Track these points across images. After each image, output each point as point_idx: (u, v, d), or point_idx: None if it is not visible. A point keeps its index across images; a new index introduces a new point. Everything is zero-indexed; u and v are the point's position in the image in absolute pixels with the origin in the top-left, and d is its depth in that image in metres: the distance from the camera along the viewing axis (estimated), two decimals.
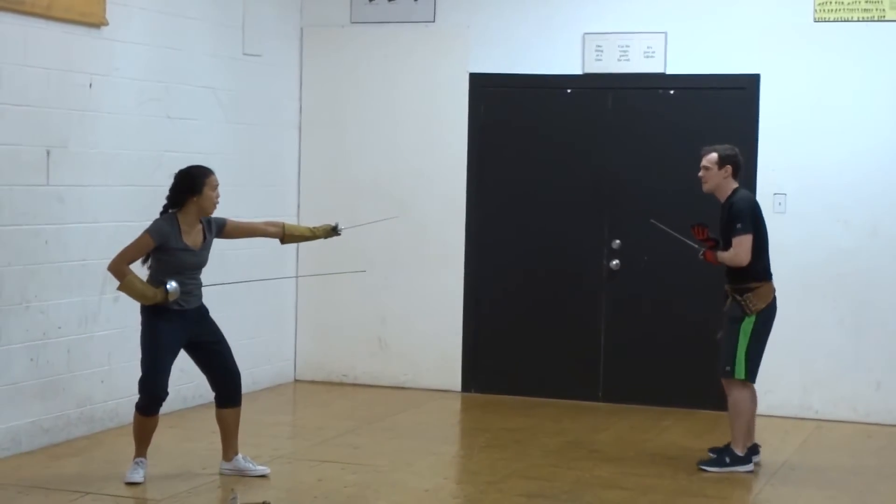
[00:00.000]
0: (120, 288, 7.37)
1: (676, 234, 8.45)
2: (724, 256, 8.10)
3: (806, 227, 9.84)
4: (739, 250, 8.02)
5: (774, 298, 8.18)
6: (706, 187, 8.23)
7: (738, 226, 8.03)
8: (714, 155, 8.18)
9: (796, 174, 9.89)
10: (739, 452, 8.21)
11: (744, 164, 8.45)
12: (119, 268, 7.32)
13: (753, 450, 8.35)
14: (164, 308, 7.36)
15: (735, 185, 8.20)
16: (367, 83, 10.93)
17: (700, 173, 8.23)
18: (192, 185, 7.42)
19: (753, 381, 8.19)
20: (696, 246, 8.29)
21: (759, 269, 8.11)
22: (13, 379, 8.07)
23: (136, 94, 9.08)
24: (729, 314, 8.18)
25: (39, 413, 8.30)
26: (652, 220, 8.66)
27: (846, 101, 9.81)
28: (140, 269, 7.45)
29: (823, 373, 9.94)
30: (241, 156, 10.23)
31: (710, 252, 8.17)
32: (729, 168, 8.16)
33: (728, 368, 8.12)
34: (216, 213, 7.59)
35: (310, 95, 11.06)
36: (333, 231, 7.96)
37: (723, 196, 8.19)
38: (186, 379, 8.94)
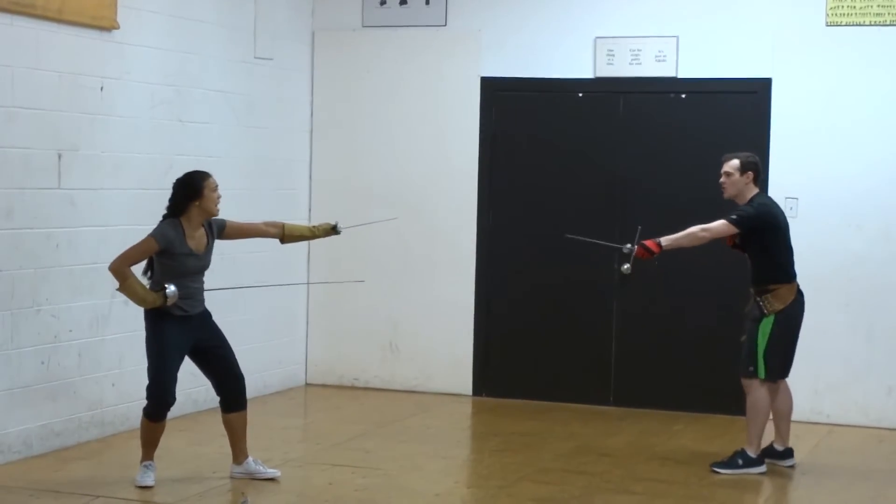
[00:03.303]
0: (120, 289, 7.36)
1: (595, 241, 8.76)
2: (682, 233, 8.21)
3: (817, 231, 9.81)
4: (710, 226, 8.15)
5: (797, 300, 8.23)
6: (727, 194, 8.29)
7: (733, 216, 8.12)
8: (736, 161, 8.24)
9: (808, 178, 9.87)
10: (752, 454, 8.24)
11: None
12: (121, 269, 7.31)
13: (788, 453, 8.44)
14: (169, 314, 7.36)
15: (755, 190, 8.27)
16: (378, 87, 10.93)
17: (721, 180, 8.29)
18: (192, 190, 7.41)
19: (775, 381, 8.26)
20: (619, 245, 8.56)
21: (778, 271, 8.20)
22: (24, 382, 8.08)
23: (148, 97, 9.08)
24: (750, 315, 8.27)
25: (50, 416, 8.30)
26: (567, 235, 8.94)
27: (858, 105, 9.79)
28: (142, 279, 7.45)
29: (835, 377, 9.92)
30: (253, 159, 10.23)
31: (645, 243, 8.27)
32: (750, 174, 8.23)
33: (752, 368, 8.19)
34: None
35: (321, 99, 11.06)
36: (333, 230, 7.92)
37: (743, 202, 8.25)
38: (197, 382, 8.90)
